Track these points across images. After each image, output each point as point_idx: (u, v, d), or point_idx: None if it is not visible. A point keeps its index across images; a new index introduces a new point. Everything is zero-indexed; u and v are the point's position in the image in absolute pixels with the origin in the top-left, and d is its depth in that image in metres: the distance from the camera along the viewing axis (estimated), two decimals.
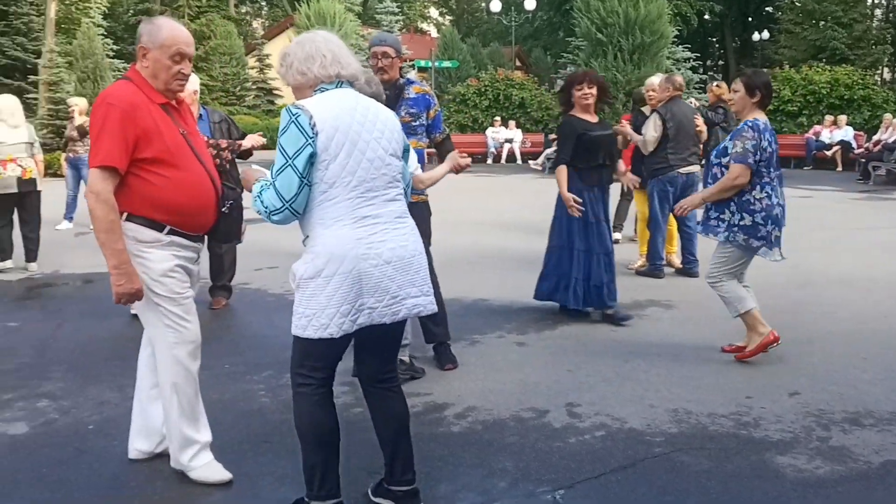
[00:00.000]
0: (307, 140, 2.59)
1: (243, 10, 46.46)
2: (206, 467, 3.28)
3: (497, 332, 5.48)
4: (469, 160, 4.25)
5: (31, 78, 24.52)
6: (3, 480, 3.32)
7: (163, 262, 3.08)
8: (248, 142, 5.70)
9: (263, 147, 5.86)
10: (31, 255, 7.89)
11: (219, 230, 3.26)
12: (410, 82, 4.63)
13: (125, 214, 3.04)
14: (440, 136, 4.76)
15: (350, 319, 2.67)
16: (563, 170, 5.60)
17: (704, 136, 7.53)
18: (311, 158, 2.61)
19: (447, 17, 56.22)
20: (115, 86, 3.09)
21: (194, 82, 5.66)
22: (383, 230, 2.72)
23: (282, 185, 2.61)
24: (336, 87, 2.78)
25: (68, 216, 10.86)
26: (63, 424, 3.94)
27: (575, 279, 5.66)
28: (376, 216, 2.72)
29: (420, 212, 4.61)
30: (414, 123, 4.55)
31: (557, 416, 3.98)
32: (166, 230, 3.06)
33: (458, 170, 4.19)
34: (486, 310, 6.13)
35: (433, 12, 57.40)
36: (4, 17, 28.60)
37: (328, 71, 2.76)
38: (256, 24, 48.43)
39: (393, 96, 4.47)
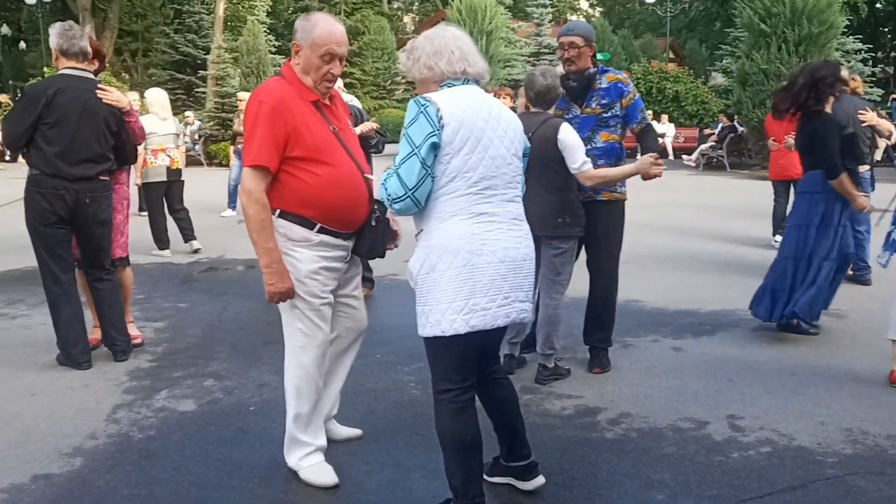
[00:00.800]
0: (433, 130, 2.60)
1: (395, 6, 47.56)
2: (315, 468, 3.25)
3: (651, 336, 5.28)
4: (661, 170, 3.99)
5: (201, 73, 26.16)
6: (173, 455, 3.50)
7: (310, 262, 3.10)
8: (359, 129, 5.90)
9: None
10: (188, 234, 8.46)
11: (363, 244, 3.19)
12: (604, 71, 4.41)
13: (277, 212, 3.06)
14: (638, 126, 4.46)
15: (462, 318, 2.63)
16: (846, 178, 4.93)
17: (893, 132, 6.69)
18: (435, 149, 2.62)
19: (597, 9, 55.21)
20: (267, 83, 3.14)
21: None
22: (498, 229, 2.70)
23: (405, 173, 2.61)
24: (462, 83, 2.77)
25: (232, 205, 11.47)
26: (227, 404, 4.12)
27: (794, 291, 5.09)
28: (492, 214, 2.70)
29: (613, 212, 4.42)
30: (605, 115, 4.35)
31: (718, 428, 3.77)
32: (317, 228, 3.08)
33: (646, 177, 4.01)
34: (640, 312, 5.92)
35: (583, 4, 56.51)
36: (178, 15, 30.68)
37: (455, 67, 2.75)
38: (407, 18, 49.45)
39: (581, 87, 4.33)
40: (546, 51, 28.03)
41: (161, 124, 8.11)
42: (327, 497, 3.14)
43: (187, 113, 22.16)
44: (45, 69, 26.26)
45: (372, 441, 3.60)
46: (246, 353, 4.95)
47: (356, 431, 3.64)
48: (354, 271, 3.35)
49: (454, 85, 2.74)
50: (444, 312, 2.62)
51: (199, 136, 21.51)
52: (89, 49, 4.54)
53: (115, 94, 4.60)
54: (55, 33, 4.46)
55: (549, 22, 29.87)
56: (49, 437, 3.68)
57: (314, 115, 3.07)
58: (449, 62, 2.72)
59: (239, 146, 11.28)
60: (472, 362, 2.78)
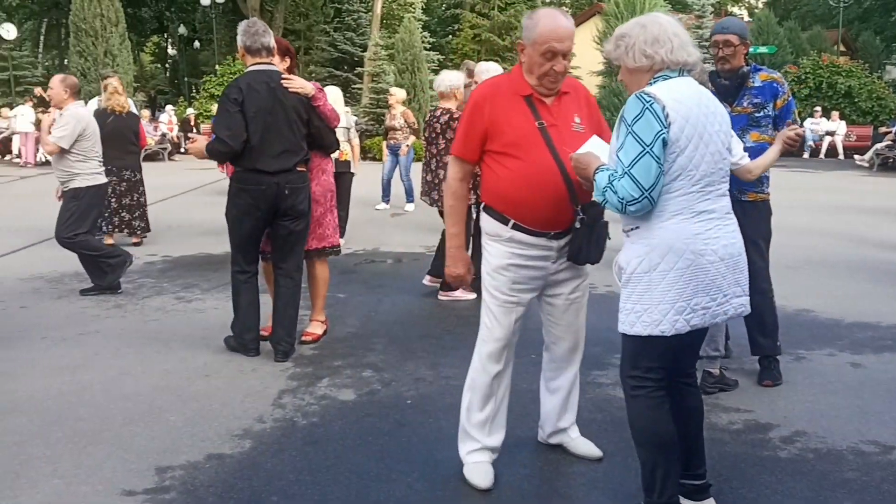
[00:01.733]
0: (661, 128, 2.51)
1: (548, 0, 47.14)
2: (474, 466, 3.22)
3: (827, 350, 4.91)
4: (800, 128, 3.88)
5: (357, 70, 26.99)
6: (335, 443, 3.59)
7: (499, 257, 3.09)
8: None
9: None
10: (341, 231, 8.66)
11: (571, 247, 3.06)
12: (757, 69, 4.23)
13: (482, 205, 3.15)
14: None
15: (684, 318, 2.58)
16: None
17: None
18: (664, 147, 2.53)
19: (761, 0, 52.46)
20: (491, 78, 3.22)
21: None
22: (717, 226, 2.63)
23: (640, 173, 2.51)
24: (678, 75, 2.64)
25: (385, 198, 11.75)
26: (385, 396, 4.19)
27: None
28: (711, 211, 2.62)
29: (760, 212, 4.24)
30: (758, 114, 4.17)
31: None
32: (511, 224, 3.04)
33: (790, 143, 3.80)
34: (812, 322, 5.54)
35: None
36: (338, 14, 31.79)
37: (675, 57, 2.62)
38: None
39: (734, 86, 4.16)
40: (706, 44, 26.91)
41: None
42: (483, 499, 3.11)
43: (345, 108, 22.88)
44: (216, 67, 27.97)
45: (530, 444, 3.55)
46: (402, 346, 5.03)
47: (595, 452, 3.40)
48: (570, 275, 3.16)
49: (670, 77, 2.63)
50: (666, 313, 2.57)
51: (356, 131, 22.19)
52: (272, 44, 4.62)
53: (298, 82, 4.64)
54: (240, 32, 4.63)
55: (711, 14, 28.66)
56: (221, 418, 3.87)
57: (521, 110, 3.01)
58: (669, 51, 2.61)
59: (391, 141, 11.53)
60: (674, 359, 2.74)
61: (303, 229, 4.74)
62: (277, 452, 3.49)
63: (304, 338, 5.02)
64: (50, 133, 6.20)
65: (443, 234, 6.47)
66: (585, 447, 3.41)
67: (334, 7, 33.09)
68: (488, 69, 6.15)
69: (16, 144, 19.65)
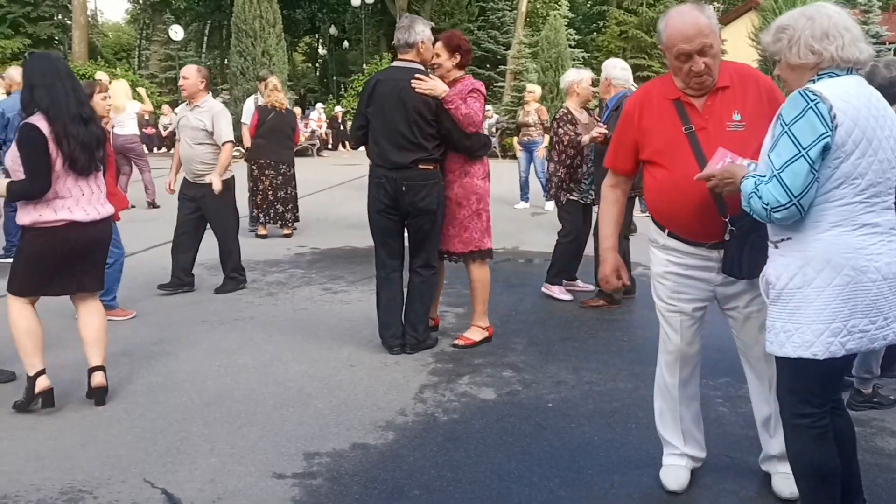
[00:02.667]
0: (826, 131, 2.28)
1: None
2: (667, 469, 3.18)
3: None
4: None
5: (500, 68, 27.05)
6: (475, 441, 3.58)
7: (658, 265, 3.04)
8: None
9: None
10: None
11: (725, 260, 2.86)
12: None
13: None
14: None
15: (839, 341, 2.35)
16: None
17: None
18: (824, 152, 2.30)
19: None
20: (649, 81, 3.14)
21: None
22: (880, 241, 2.37)
23: (790, 178, 2.30)
24: (846, 73, 2.40)
25: (524, 196, 11.69)
26: (525, 397, 4.15)
27: None
28: (875, 224, 2.37)
29: None
30: None
31: None
32: (667, 232, 2.95)
33: None
34: None
35: None
36: (483, 12, 32.01)
37: (846, 54, 2.38)
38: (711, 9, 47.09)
39: None
40: (873, 40, 25.12)
41: None
42: None
43: (487, 107, 23.01)
44: (364, 66, 28.83)
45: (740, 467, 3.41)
46: (542, 348, 4.97)
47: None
48: (743, 287, 2.92)
49: (837, 75, 2.40)
50: (820, 334, 2.36)
51: (496, 130, 22.27)
52: (413, 40, 4.62)
53: (429, 83, 4.55)
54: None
55: (878, 8, 26.73)
56: (365, 409, 3.95)
57: (669, 116, 2.88)
58: (840, 48, 2.38)
59: (524, 138, 11.44)
60: (833, 386, 2.54)
61: (429, 228, 4.74)
62: (419, 447, 3.53)
63: (456, 342, 4.96)
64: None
65: (558, 236, 6.36)
66: (786, 488, 3.00)
67: (479, 6, 33.34)
68: (614, 65, 6.08)
69: None
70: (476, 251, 4.92)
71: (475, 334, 5.02)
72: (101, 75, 12.98)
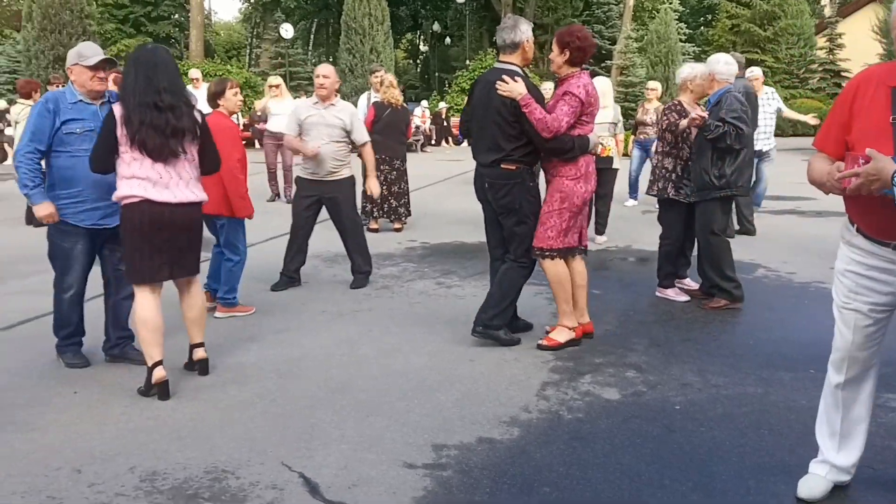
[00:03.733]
0: None
1: None
2: (806, 476, 3.06)
3: None
4: None
5: (605, 63, 26.64)
6: (602, 441, 3.55)
7: (841, 261, 2.90)
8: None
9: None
10: (600, 228, 8.54)
11: None
12: None
13: None
14: None
15: None
16: None
17: None
18: None
19: None
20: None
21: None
22: None
23: None
24: None
25: (633, 194, 11.48)
26: (651, 399, 4.07)
27: None
28: None
29: None
30: None
31: None
32: (854, 228, 2.81)
33: None
34: None
35: None
36: (587, 7, 31.64)
37: None
38: (826, 1, 44.98)
39: None
40: None
41: (600, 112, 8.29)
42: None
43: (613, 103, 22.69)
44: (467, 62, 28.95)
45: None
46: (664, 349, 4.87)
47: None
48: None
49: None
50: None
51: (612, 132, 21.93)
52: (518, 40, 4.65)
53: (508, 86, 4.53)
54: None
55: None
56: (488, 403, 3.97)
57: (881, 102, 2.67)
58: None
59: (641, 137, 11.19)
60: None
61: (512, 224, 4.78)
62: (545, 444, 3.51)
63: (540, 341, 4.85)
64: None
65: (660, 238, 6.19)
66: None
67: (583, 0, 32.96)
68: (717, 60, 5.91)
69: None
70: (545, 249, 4.76)
71: (560, 335, 4.85)
72: (194, 73, 13.52)
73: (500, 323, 4.87)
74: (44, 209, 4.23)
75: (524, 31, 4.69)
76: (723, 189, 5.67)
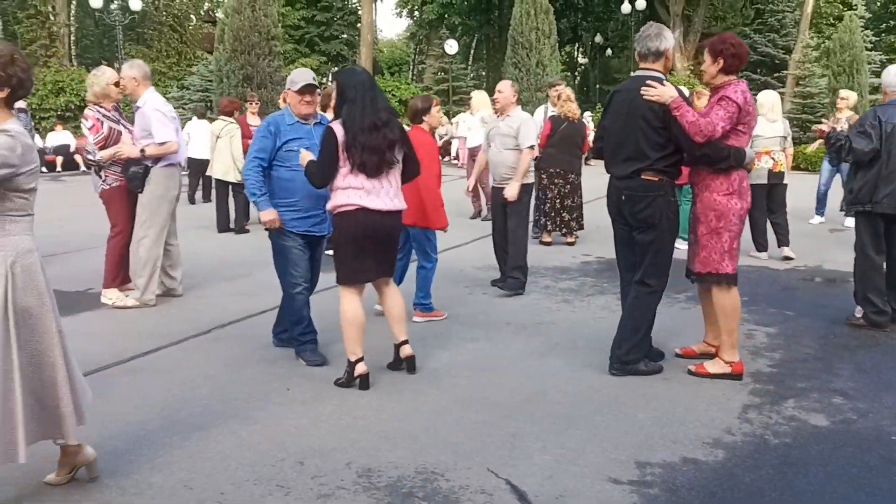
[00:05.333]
0: None
1: None
2: None
3: None
4: None
5: (778, 73, 25.39)
6: (814, 469, 3.40)
7: None
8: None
9: None
10: (782, 239, 8.21)
11: None
12: None
13: None
14: None
15: None
16: None
17: None
18: None
19: None
20: None
21: None
22: None
23: None
24: None
25: (819, 211, 10.86)
26: (863, 427, 3.86)
27: None
28: None
29: None
30: None
31: None
32: None
33: None
34: None
35: None
36: (759, 15, 30.24)
37: None
38: None
39: None
40: None
41: (769, 126, 8.00)
42: None
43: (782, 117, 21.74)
44: (631, 73, 28.47)
45: None
46: (872, 375, 4.60)
47: None
48: None
49: None
50: None
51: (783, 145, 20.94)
52: (663, 48, 4.47)
53: (657, 90, 4.32)
54: None
55: None
56: (688, 423, 3.91)
57: None
58: None
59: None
60: None
61: (648, 242, 4.51)
62: (753, 468, 3.42)
63: (690, 367, 4.63)
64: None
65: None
66: None
67: (755, 8, 31.55)
68: (888, 72, 5.55)
69: (454, 148, 22.09)
70: (713, 274, 4.50)
71: (714, 367, 4.56)
72: None
73: (637, 356, 4.62)
74: (268, 215, 4.68)
75: (669, 39, 4.53)
76: (854, 204, 5.54)
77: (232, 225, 10.27)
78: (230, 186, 10.27)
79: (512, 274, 6.65)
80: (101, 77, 6.23)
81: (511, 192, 6.42)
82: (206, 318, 5.87)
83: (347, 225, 4.30)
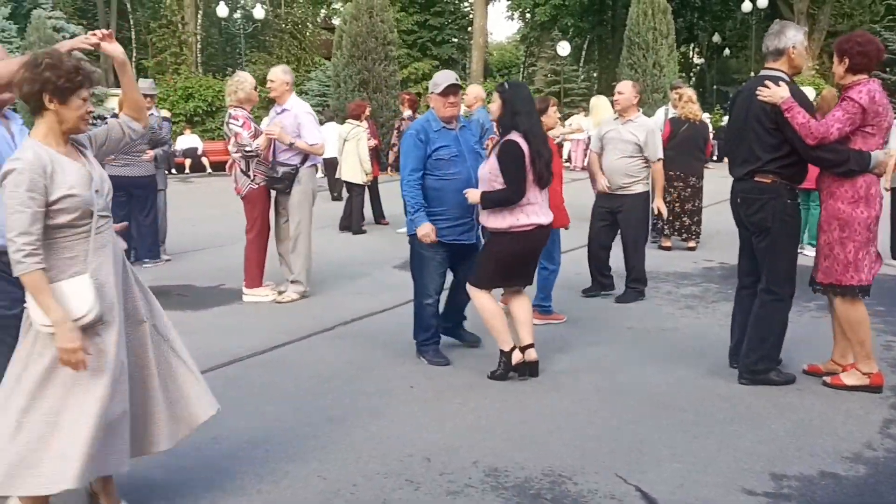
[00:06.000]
0: None
1: None
2: None
3: None
4: None
5: None
6: None
7: None
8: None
9: None
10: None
11: None
12: None
13: None
14: None
15: None
16: None
17: None
18: None
19: None
20: None
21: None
22: None
23: None
24: None
25: None
26: None
27: None
28: None
29: None
30: None
31: None
32: None
33: None
34: None
35: None
36: (891, 11, 28.64)
37: None
38: None
39: None
40: None
41: None
42: None
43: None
44: (752, 74, 27.44)
45: None
46: None
47: None
48: None
49: None
50: None
51: None
52: (783, 47, 4.31)
53: (769, 91, 4.17)
54: None
55: None
56: (825, 436, 3.75)
57: None
58: None
59: None
60: None
61: (765, 247, 4.34)
62: None
63: (825, 379, 4.44)
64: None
65: None
66: None
67: (885, 4, 29.90)
68: None
69: (566, 150, 21.91)
70: (835, 285, 4.28)
71: (851, 378, 4.34)
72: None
73: (766, 366, 4.44)
74: (425, 229, 4.69)
75: (790, 37, 4.33)
76: None
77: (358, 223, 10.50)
78: (354, 187, 10.53)
79: (631, 285, 6.55)
80: (245, 83, 6.53)
81: (660, 207, 6.69)
82: (330, 316, 6.05)
83: (521, 244, 4.42)
